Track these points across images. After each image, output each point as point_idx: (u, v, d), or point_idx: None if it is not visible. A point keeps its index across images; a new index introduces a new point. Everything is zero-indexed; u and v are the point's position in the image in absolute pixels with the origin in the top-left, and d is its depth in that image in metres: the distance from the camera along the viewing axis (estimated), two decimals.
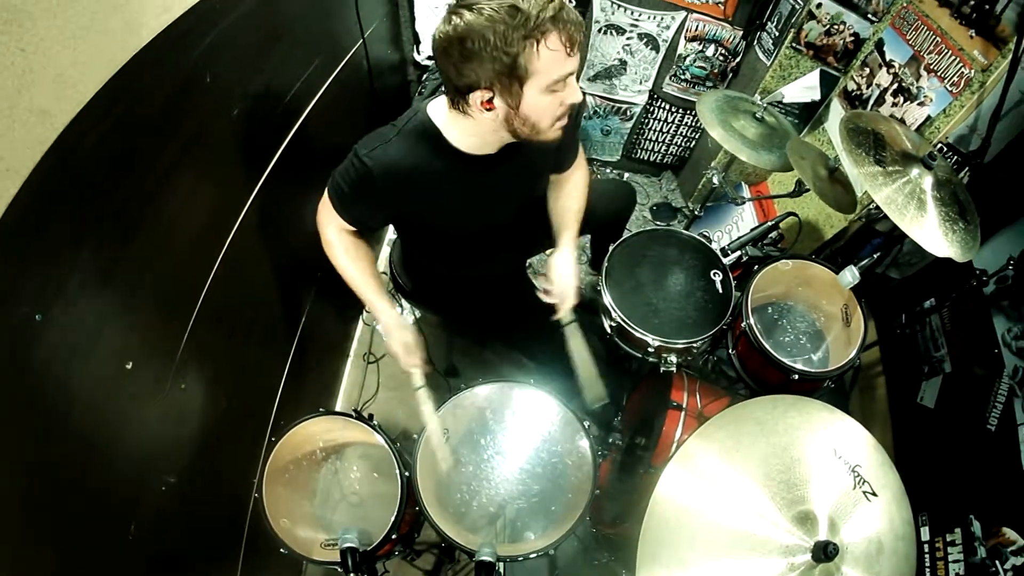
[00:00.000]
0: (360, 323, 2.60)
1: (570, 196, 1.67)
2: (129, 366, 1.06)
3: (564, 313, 1.57)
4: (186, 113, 1.17)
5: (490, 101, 1.17)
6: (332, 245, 1.50)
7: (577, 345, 1.57)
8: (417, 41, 2.74)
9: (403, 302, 2.63)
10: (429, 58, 2.80)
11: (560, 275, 1.57)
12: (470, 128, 1.29)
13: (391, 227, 2.83)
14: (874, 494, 1.04)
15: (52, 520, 0.92)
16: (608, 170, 3.46)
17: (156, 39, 1.03)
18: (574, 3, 2.57)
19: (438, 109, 1.33)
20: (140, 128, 1.03)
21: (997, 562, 1.24)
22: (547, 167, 1.59)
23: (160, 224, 1.13)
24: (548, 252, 1.67)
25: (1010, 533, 1.24)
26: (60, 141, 0.84)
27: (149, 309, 1.12)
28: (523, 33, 1.07)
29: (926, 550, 1.41)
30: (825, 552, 0.95)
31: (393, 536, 1.37)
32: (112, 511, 1.06)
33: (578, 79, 2.89)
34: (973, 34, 1.67)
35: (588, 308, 2.19)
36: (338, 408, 2.27)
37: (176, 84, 1.13)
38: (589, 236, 2.32)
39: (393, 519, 1.35)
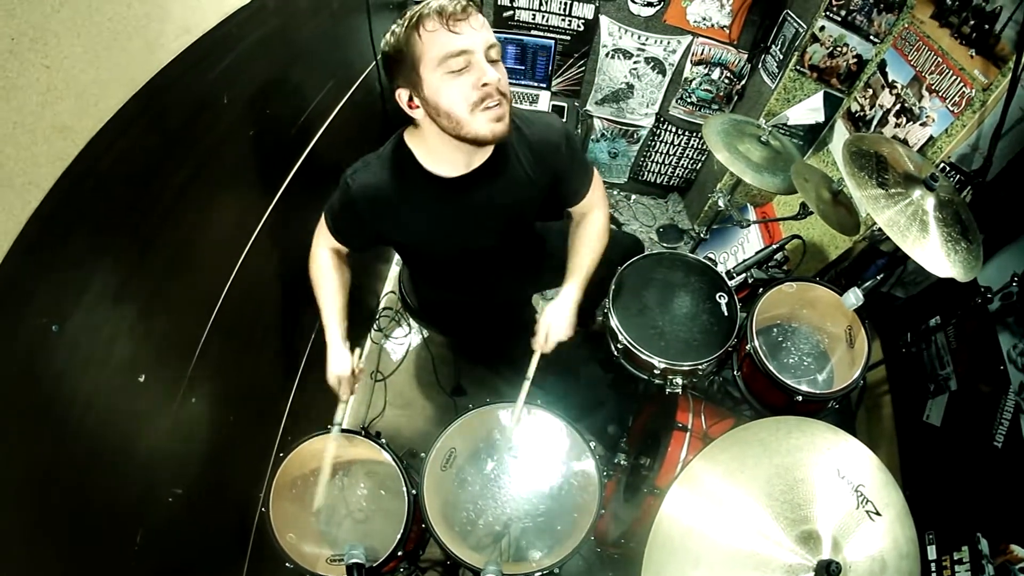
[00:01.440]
0: (368, 341, 2.62)
1: (582, 239, 1.62)
2: (142, 379, 1.08)
3: (539, 347, 1.53)
4: (203, 133, 1.20)
5: (410, 100, 1.24)
6: (314, 259, 1.54)
7: (530, 370, 1.52)
8: None
9: (411, 321, 2.65)
10: None
11: (548, 320, 1.53)
12: (430, 144, 1.32)
13: None
14: (878, 513, 1.04)
15: (60, 527, 0.93)
16: (616, 190, 3.49)
17: (175, 60, 1.07)
18: (582, 26, 2.62)
19: (412, 133, 1.37)
20: (158, 146, 1.07)
21: None
22: (533, 192, 1.52)
23: (176, 240, 1.15)
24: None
25: (1018, 550, 1.22)
26: (81, 157, 0.87)
27: (163, 323, 1.14)
28: (406, 27, 1.17)
29: (933, 569, 1.39)
30: (828, 571, 0.95)
31: (399, 553, 1.37)
32: (119, 520, 1.07)
33: (586, 102, 2.96)
34: (973, 53, 1.70)
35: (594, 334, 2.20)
36: (345, 425, 2.27)
37: (194, 104, 1.16)
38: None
39: (399, 536, 1.35)
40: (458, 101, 1.19)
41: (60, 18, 0.82)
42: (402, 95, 1.24)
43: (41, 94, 0.80)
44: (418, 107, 1.24)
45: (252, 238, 1.45)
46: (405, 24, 1.17)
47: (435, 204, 1.40)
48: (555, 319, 1.52)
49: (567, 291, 1.56)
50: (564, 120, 2.69)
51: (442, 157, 1.34)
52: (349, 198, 1.37)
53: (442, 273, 1.69)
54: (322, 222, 1.51)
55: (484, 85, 1.18)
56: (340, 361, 1.48)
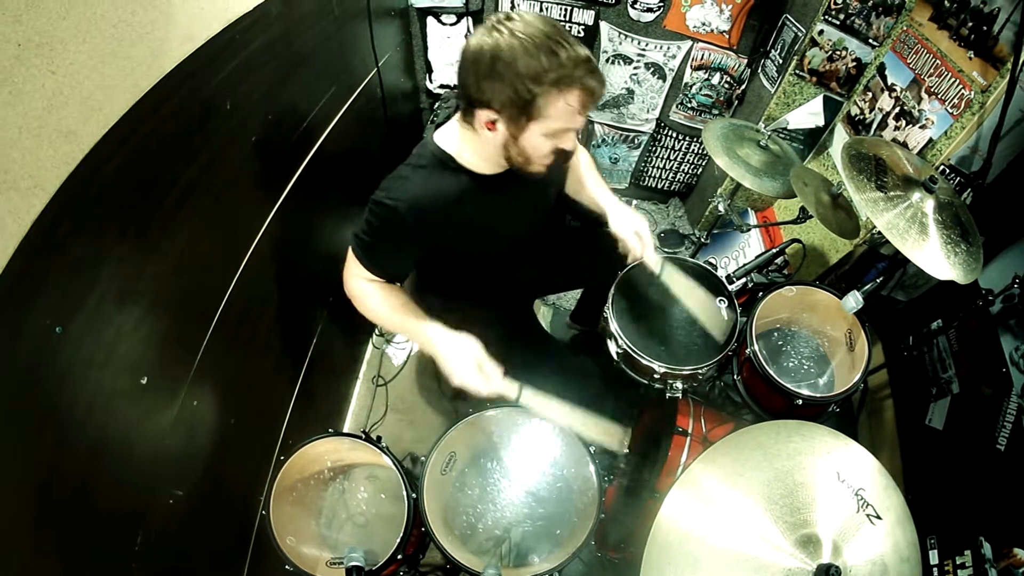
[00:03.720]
0: (370, 346, 2.63)
1: (586, 177, 1.74)
2: (144, 381, 1.09)
3: (650, 256, 1.61)
4: (206, 138, 1.22)
5: (494, 123, 1.22)
6: (362, 292, 1.41)
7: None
8: (429, 70, 2.82)
9: None
10: (441, 87, 2.88)
11: (625, 223, 1.61)
12: (478, 146, 1.33)
13: None
14: (878, 517, 1.03)
15: (61, 528, 0.94)
16: (617, 196, 3.49)
17: (179, 67, 1.09)
18: (582, 32, 2.64)
19: (446, 136, 1.37)
20: (162, 151, 1.08)
21: None
22: (556, 175, 1.62)
23: (179, 244, 1.16)
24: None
25: (1021, 554, 1.21)
26: (85, 161, 0.88)
27: (165, 326, 1.15)
28: (552, 78, 1.13)
29: (935, 573, 1.38)
30: (828, 575, 0.95)
31: (399, 557, 1.37)
32: (120, 522, 1.08)
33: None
34: (972, 55, 1.70)
35: (594, 336, 2.20)
36: (346, 429, 2.28)
37: (197, 110, 1.18)
38: (581, 289, 2.35)
39: (399, 540, 1.36)
40: (538, 154, 1.27)
41: (66, 25, 0.83)
42: (486, 115, 1.21)
43: (47, 99, 0.81)
44: (496, 131, 1.24)
45: (254, 243, 1.46)
46: (548, 69, 1.12)
47: (483, 202, 1.41)
48: (634, 222, 1.61)
49: (614, 203, 1.68)
50: None
51: (490, 161, 1.36)
52: (395, 219, 1.29)
53: (474, 274, 1.68)
54: (352, 263, 1.39)
55: (560, 150, 1.28)
56: (463, 344, 1.32)
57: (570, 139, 1.27)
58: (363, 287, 1.41)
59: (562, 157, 1.32)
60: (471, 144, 1.33)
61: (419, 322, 1.38)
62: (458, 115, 1.33)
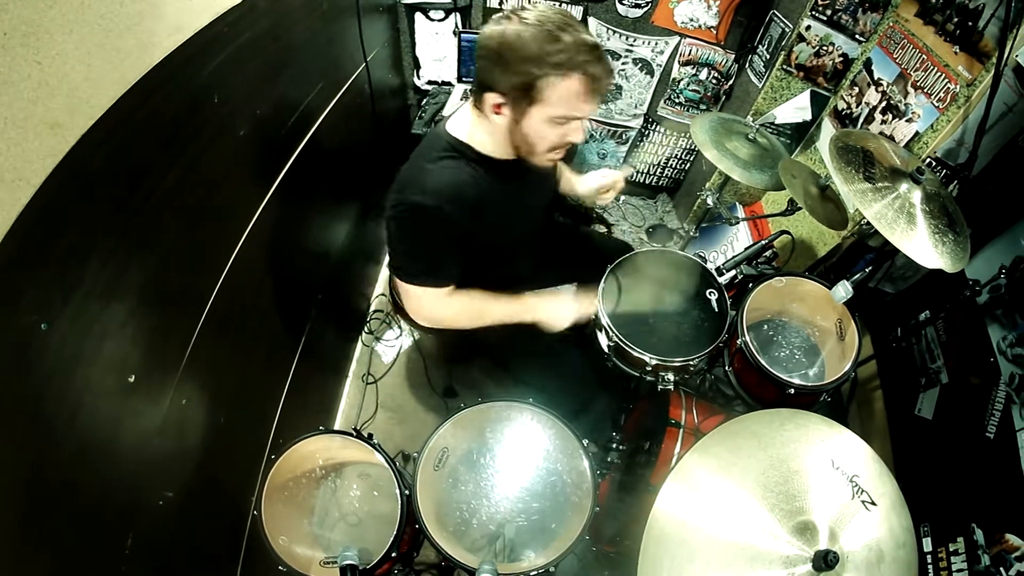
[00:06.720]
0: (359, 344, 2.61)
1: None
2: (132, 379, 1.07)
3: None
4: (194, 132, 1.20)
5: (500, 107, 1.25)
6: (453, 318, 1.52)
7: None
8: (417, 66, 2.80)
9: (402, 323, 2.64)
10: (429, 83, 2.86)
11: (592, 176, 1.79)
12: (490, 131, 1.35)
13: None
14: (873, 503, 1.04)
15: (49, 531, 0.92)
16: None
17: (167, 59, 1.07)
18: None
19: (457, 125, 1.40)
20: (149, 145, 1.06)
21: (1002, 569, 1.23)
22: (552, 169, 1.67)
23: (166, 240, 1.15)
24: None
25: (1013, 539, 1.23)
26: (72, 154, 0.86)
27: (153, 323, 1.13)
28: (552, 62, 1.15)
29: (929, 561, 1.40)
30: (826, 561, 0.95)
31: (393, 555, 1.36)
32: (109, 524, 1.06)
33: None
34: (957, 50, 1.72)
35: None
36: (337, 427, 2.26)
37: (185, 103, 1.16)
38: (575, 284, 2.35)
39: (393, 537, 1.35)
40: (543, 142, 1.31)
41: (52, 15, 0.81)
42: (492, 98, 1.25)
43: (33, 90, 0.79)
44: (502, 115, 1.27)
45: (242, 240, 1.45)
46: (549, 53, 1.15)
47: (503, 188, 1.43)
48: (597, 176, 1.81)
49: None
50: None
51: (501, 144, 1.38)
52: (435, 215, 1.32)
53: (487, 265, 1.66)
54: (418, 295, 1.46)
55: (567, 142, 1.31)
56: (558, 300, 1.58)
57: (577, 130, 1.28)
58: (448, 307, 1.50)
59: (570, 149, 1.34)
60: (483, 128, 1.36)
61: (510, 307, 1.54)
62: (470, 102, 1.36)
